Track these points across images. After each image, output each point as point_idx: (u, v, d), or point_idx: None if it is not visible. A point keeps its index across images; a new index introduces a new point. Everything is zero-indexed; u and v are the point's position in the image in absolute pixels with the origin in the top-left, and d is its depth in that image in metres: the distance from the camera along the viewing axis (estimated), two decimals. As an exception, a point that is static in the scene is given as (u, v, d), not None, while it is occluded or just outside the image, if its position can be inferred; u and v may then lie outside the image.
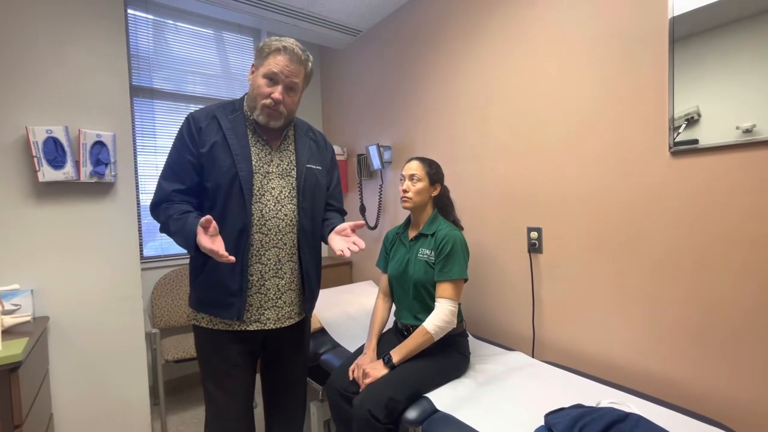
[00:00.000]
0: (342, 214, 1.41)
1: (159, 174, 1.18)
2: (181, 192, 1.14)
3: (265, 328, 1.20)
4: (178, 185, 1.14)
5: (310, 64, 1.20)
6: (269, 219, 1.17)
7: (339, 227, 1.19)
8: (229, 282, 1.13)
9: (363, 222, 1.22)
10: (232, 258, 1.00)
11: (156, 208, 1.16)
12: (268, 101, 1.12)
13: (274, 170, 1.19)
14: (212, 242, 0.99)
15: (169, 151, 1.18)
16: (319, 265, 1.32)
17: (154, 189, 1.17)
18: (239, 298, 1.14)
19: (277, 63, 1.12)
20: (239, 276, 1.14)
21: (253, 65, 1.19)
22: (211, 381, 1.20)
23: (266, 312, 1.19)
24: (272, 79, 1.13)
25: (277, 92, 1.12)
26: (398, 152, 2.34)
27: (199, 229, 1.00)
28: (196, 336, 1.23)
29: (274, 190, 1.18)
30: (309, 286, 1.26)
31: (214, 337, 1.19)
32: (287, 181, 1.21)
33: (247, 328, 1.18)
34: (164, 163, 1.18)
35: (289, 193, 1.20)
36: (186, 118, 1.17)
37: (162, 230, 1.15)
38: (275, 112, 1.14)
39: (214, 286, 1.15)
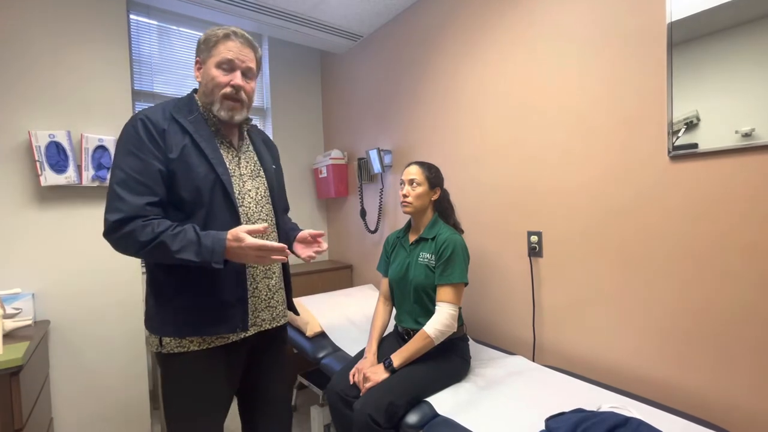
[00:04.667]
0: (287, 212, 1.40)
1: (111, 184, 0.97)
2: (153, 205, 0.97)
3: (262, 329, 1.15)
4: (149, 197, 0.96)
5: (259, 51, 1.15)
6: (255, 221, 1.12)
7: (300, 236, 1.20)
8: (224, 293, 1.04)
9: (323, 232, 1.20)
10: (286, 250, 0.97)
11: (124, 224, 0.94)
12: (228, 90, 1.05)
13: (244, 172, 1.14)
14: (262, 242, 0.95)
15: (119, 158, 0.98)
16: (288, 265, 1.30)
17: (109, 203, 0.95)
18: (240, 308, 1.07)
19: (229, 49, 1.06)
20: (237, 284, 1.06)
21: (198, 60, 1.11)
22: (188, 411, 1.06)
23: (261, 313, 1.15)
24: (227, 67, 1.06)
25: (237, 78, 1.06)
26: (399, 156, 2.35)
27: (243, 234, 0.94)
28: (176, 366, 1.04)
29: (251, 192, 1.14)
30: (288, 281, 1.26)
31: (205, 359, 1.05)
32: (259, 182, 1.17)
33: (246, 335, 1.11)
34: (117, 171, 0.97)
35: (264, 193, 1.17)
36: (137, 118, 1.00)
37: (138, 251, 0.95)
38: (237, 102, 1.08)
39: (206, 303, 1.03)
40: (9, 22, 1.60)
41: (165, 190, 1.00)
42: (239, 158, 1.15)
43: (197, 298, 1.03)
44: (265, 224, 1.01)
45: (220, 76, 1.05)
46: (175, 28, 2.45)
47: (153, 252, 0.95)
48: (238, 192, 1.10)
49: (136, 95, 2.31)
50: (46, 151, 1.61)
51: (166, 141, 1.00)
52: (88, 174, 1.70)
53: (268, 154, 1.25)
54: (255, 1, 2.05)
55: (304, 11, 2.18)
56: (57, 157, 1.63)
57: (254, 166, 1.18)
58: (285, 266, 1.26)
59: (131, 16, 2.27)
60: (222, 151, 1.10)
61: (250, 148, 1.21)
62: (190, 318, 1.03)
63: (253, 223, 1.11)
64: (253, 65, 1.11)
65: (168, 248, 0.94)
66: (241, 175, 1.13)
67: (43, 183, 1.60)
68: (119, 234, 0.95)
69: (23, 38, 1.63)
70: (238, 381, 1.16)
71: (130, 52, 2.09)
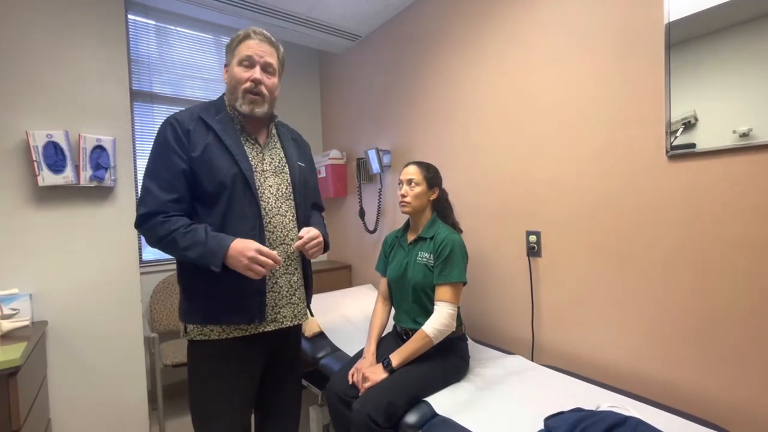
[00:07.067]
0: (320, 210, 1.42)
1: (143, 180, 1.08)
2: (176, 202, 1.06)
3: (283, 326, 1.17)
4: (172, 195, 1.05)
5: (281, 49, 1.22)
6: (273, 216, 1.15)
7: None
8: (244, 284, 1.07)
9: (300, 243, 1.15)
10: (281, 260, 1.06)
11: (149, 219, 1.04)
12: (248, 84, 1.11)
13: (267, 168, 1.18)
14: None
15: (151, 156, 1.09)
16: (310, 263, 1.32)
17: (141, 197, 1.07)
18: (258, 299, 1.11)
19: (249, 47, 1.13)
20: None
21: (225, 64, 1.19)
22: (212, 401, 1.11)
23: (282, 310, 1.17)
24: (247, 63, 1.12)
25: (256, 72, 1.12)
26: (397, 156, 2.35)
27: (250, 242, 1.02)
28: (198, 353, 1.12)
29: (272, 187, 1.17)
30: (308, 282, 1.27)
31: (225, 348, 1.10)
32: (282, 178, 1.20)
33: (265, 329, 1.14)
34: (148, 168, 1.08)
35: (285, 189, 1.20)
36: (167, 122, 1.09)
37: (157, 244, 1.06)
38: (257, 96, 1.13)
39: (225, 292, 1.08)
40: (7, 22, 1.59)
41: (187, 189, 1.08)
42: (263, 155, 1.19)
43: (218, 287, 1.08)
44: (281, 260, 1.09)
45: (241, 73, 1.12)
46: (173, 28, 2.45)
47: (167, 247, 1.04)
48: (258, 187, 1.13)
49: (135, 95, 2.31)
50: (44, 151, 1.60)
51: (190, 140, 1.08)
52: (85, 174, 1.69)
53: (296, 152, 1.28)
54: (253, 1, 2.05)
55: (302, 11, 2.18)
56: (55, 157, 1.62)
57: (279, 162, 1.22)
58: (305, 264, 1.26)
59: (129, 16, 2.27)
60: (246, 148, 1.15)
61: (277, 145, 1.25)
62: (210, 306, 1.09)
63: (270, 219, 1.15)
64: (272, 60, 1.16)
65: (177, 245, 1.02)
66: (263, 171, 1.17)
67: (40, 183, 1.60)
68: (144, 228, 1.06)
69: (21, 38, 1.62)
70: (257, 375, 1.19)
71: (128, 52, 2.09)
